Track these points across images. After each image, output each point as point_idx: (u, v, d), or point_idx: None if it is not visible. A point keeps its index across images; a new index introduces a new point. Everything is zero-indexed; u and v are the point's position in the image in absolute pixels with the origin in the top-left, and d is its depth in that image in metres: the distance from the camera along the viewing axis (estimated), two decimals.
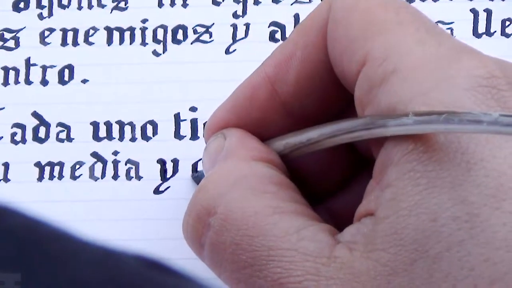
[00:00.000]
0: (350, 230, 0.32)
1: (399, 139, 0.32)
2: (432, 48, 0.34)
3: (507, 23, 0.43)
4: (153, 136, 0.41)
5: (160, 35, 0.43)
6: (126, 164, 0.41)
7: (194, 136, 0.41)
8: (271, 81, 0.36)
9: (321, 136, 0.35)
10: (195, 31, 0.43)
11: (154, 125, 0.41)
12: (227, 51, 0.42)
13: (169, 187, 0.41)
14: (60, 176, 0.41)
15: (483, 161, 0.31)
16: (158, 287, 0.24)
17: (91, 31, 0.42)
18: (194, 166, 0.41)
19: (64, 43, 0.42)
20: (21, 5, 0.43)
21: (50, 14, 0.42)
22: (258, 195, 0.34)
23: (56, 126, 0.41)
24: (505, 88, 0.32)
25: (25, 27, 0.42)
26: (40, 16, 0.42)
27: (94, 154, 0.41)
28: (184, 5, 0.43)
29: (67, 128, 0.41)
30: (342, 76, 0.35)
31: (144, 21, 0.43)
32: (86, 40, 0.42)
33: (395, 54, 0.33)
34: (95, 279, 0.23)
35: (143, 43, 0.42)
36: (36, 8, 0.43)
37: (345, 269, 0.32)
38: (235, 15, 0.43)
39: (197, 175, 0.40)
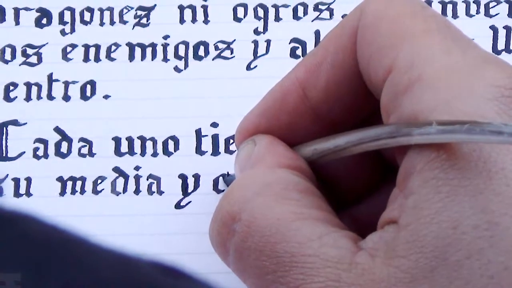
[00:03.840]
0: (372, 238, 0.33)
1: (422, 147, 0.32)
2: (457, 57, 0.34)
3: None
4: (175, 151, 0.41)
5: (181, 51, 0.42)
6: (147, 179, 0.41)
7: (215, 151, 0.41)
8: (301, 86, 0.37)
9: (348, 143, 0.35)
10: (216, 48, 0.43)
11: (176, 140, 0.41)
12: (248, 67, 0.42)
13: (190, 201, 0.41)
14: (82, 191, 0.41)
15: (504, 170, 0.31)
16: None
17: (113, 47, 0.42)
18: (215, 181, 0.41)
19: (86, 59, 0.42)
20: (44, 21, 0.43)
21: (73, 30, 0.43)
22: (282, 202, 0.34)
23: (78, 141, 0.41)
24: None
25: (47, 43, 0.42)
26: (63, 32, 0.43)
27: (116, 169, 0.41)
28: (206, 21, 0.43)
29: (89, 143, 0.41)
30: (369, 83, 0.35)
31: (166, 37, 0.43)
32: (108, 56, 0.42)
33: (421, 62, 0.33)
34: (113, 283, 0.23)
35: (165, 59, 0.42)
36: (59, 24, 0.43)
37: (366, 276, 0.32)
38: (256, 32, 0.43)
39: (228, 179, 0.41)
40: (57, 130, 0.41)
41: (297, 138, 0.37)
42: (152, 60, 0.42)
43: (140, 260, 0.24)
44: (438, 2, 0.44)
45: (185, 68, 0.42)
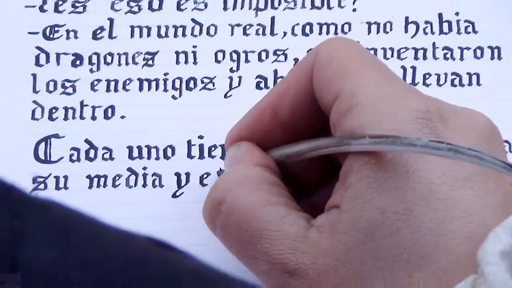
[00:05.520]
0: (321, 218, 0.33)
1: (358, 154, 0.33)
2: (385, 89, 0.34)
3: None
4: (172, 156, 0.41)
5: (177, 84, 0.42)
6: (152, 176, 0.41)
7: (201, 156, 0.41)
8: (273, 107, 0.37)
9: (306, 149, 0.36)
10: (202, 82, 0.43)
11: (173, 148, 0.41)
12: (225, 96, 0.42)
13: (183, 192, 0.40)
14: (105, 185, 0.41)
15: (417, 171, 0.32)
16: (162, 260, 0.23)
17: (127, 81, 0.42)
18: (201, 178, 0.41)
19: (108, 89, 0.42)
20: (77, 62, 0.43)
21: (98, 69, 0.42)
22: (255, 191, 0.35)
23: (102, 149, 0.41)
24: (437, 120, 0.33)
25: (80, 78, 0.42)
26: (91, 71, 0.42)
27: (129, 169, 0.41)
28: (195, 62, 0.43)
29: (110, 150, 0.41)
30: (322, 105, 0.35)
31: (166, 74, 0.42)
32: (124, 88, 0.42)
33: (359, 92, 0.34)
34: (116, 254, 0.23)
35: (165, 90, 0.42)
36: (88, 64, 0.43)
37: (315, 246, 0.32)
38: (231, 70, 0.43)
39: (220, 172, 0.41)
40: (87, 141, 0.41)
41: (269, 144, 0.37)
42: (156, 90, 0.42)
43: (137, 236, 0.24)
44: (366, 48, 0.42)
45: (179, 97, 0.42)
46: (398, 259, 0.31)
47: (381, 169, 0.32)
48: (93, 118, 0.42)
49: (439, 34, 0.43)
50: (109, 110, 0.42)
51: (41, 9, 0.44)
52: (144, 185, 0.41)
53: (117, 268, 0.22)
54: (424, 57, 0.43)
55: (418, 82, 0.42)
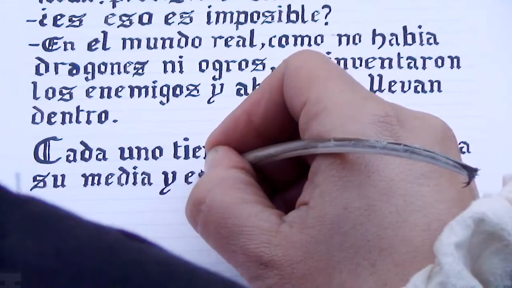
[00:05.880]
0: (292, 214, 0.34)
1: (324, 155, 0.33)
2: (348, 96, 0.34)
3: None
4: (160, 156, 0.41)
5: (164, 91, 0.42)
6: (142, 175, 0.41)
7: (186, 157, 0.41)
8: (247, 114, 0.37)
9: (277, 152, 0.36)
10: (187, 89, 0.43)
11: (161, 149, 0.41)
12: (209, 102, 0.42)
13: (170, 190, 0.41)
14: (98, 183, 0.41)
15: (378, 170, 0.32)
16: (130, 249, 0.24)
17: (120, 88, 0.42)
18: (186, 176, 0.41)
19: (102, 96, 0.42)
20: (74, 71, 0.43)
21: (93, 77, 0.43)
22: (232, 191, 0.35)
23: (96, 150, 0.41)
24: (395, 124, 0.33)
25: (76, 86, 0.42)
26: (86, 79, 0.43)
27: (121, 168, 0.41)
28: (181, 71, 0.43)
29: (103, 151, 0.41)
30: (292, 112, 0.36)
31: (155, 82, 0.43)
32: (116, 94, 0.42)
33: (324, 99, 0.34)
34: (91, 245, 0.23)
35: (154, 96, 0.42)
36: (84, 73, 0.43)
37: (286, 239, 0.33)
38: (214, 78, 0.43)
39: (201, 174, 0.41)
40: (82, 143, 0.41)
41: (244, 148, 0.38)
42: (145, 97, 0.42)
43: (109, 228, 0.24)
44: (334, 58, 0.43)
45: (167, 102, 0.42)
46: (361, 250, 0.31)
47: (345, 169, 0.32)
48: (88, 122, 0.42)
49: (404, 45, 0.44)
50: (103, 114, 0.42)
51: (41, 23, 0.44)
52: (134, 183, 0.41)
53: (88, 256, 0.22)
54: (390, 66, 0.43)
55: (384, 89, 0.43)
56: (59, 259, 0.21)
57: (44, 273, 0.21)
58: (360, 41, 0.44)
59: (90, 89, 0.43)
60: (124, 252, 0.23)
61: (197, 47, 0.44)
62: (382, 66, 0.43)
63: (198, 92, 0.43)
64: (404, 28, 0.44)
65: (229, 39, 0.44)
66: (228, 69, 0.43)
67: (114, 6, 0.44)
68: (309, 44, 0.44)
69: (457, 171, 0.30)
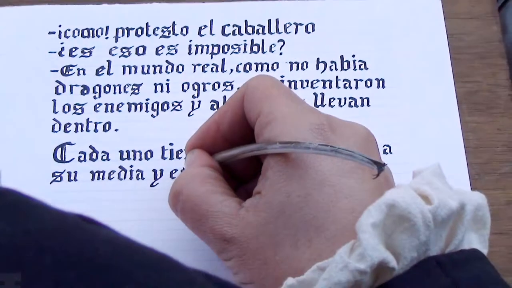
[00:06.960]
0: (248, 201, 0.35)
1: (273, 155, 0.34)
2: (292, 109, 0.35)
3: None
4: (150, 157, 0.42)
5: (155, 106, 0.44)
6: (136, 172, 0.42)
7: (171, 158, 0.42)
8: (217, 123, 0.38)
9: (238, 153, 0.37)
10: (173, 104, 0.44)
11: (151, 152, 0.43)
12: (189, 115, 0.44)
13: (158, 183, 0.42)
14: (103, 178, 0.42)
15: (314, 166, 0.33)
16: (85, 230, 0.24)
17: (120, 105, 0.44)
18: (171, 173, 0.42)
19: (106, 110, 0.44)
20: (85, 91, 0.44)
21: (100, 96, 0.44)
22: (203, 184, 0.36)
23: (101, 153, 0.42)
24: (328, 130, 0.34)
25: (86, 103, 0.44)
26: (94, 97, 0.44)
27: (120, 167, 0.42)
28: (168, 91, 0.44)
29: (107, 153, 0.43)
30: (250, 122, 0.37)
31: (147, 99, 0.44)
32: (118, 109, 0.44)
33: (274, 112, 0.35)
34: (51, 224, 0.23)
35: (146, 110, 0.43)
36: (92, 93, 0.44)
37: (243, 221, 0.34)
38: (193, 96, 0.44)
39: (182, 170, 0.41)
40: (91, 147, 0.43)
41: (214, 150, 0.39)
42: (140, 111, 0.44)
43: (70, 213, 0.24)
44: (287, 81, 0.44)
45: (157, 115, 0.44)
46: (301, 229, 0.32)
47: (288, 165, 0.33)
48: (96, 130, 0.43)
49: (341, 70, 0.45)
50: (107, 125, 0.43)
51: (60, 54, 0.45)
52: (131, 178, 0.42)
53: (50, 235, 0.22)
54: (330, 87, 0.45)
55: (325, 104, 0.44)
56: (26, 237, 0.21)
57: (12, 249, 0.21)
58: (307, 67, 0.45)
59: (97, 105, 0.44)
60: (80, 232, 0.23)
61: (180, 72, 0.45)
62: (324, 87, 0.44)
63: (181, 107, 0.44)
64: (341, 57, 0.45)
65: (205, 66, 0.45)
66: (204, 89, 0.44)
67: (116, 40, 0.46)
68: (268, 70, 0.45)
69: (370, 166, 0.31)
